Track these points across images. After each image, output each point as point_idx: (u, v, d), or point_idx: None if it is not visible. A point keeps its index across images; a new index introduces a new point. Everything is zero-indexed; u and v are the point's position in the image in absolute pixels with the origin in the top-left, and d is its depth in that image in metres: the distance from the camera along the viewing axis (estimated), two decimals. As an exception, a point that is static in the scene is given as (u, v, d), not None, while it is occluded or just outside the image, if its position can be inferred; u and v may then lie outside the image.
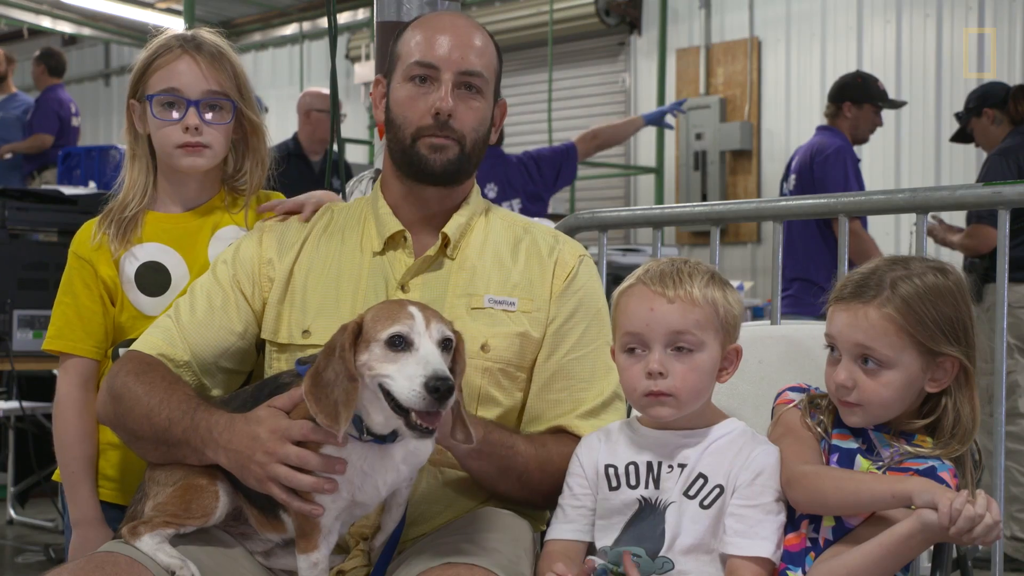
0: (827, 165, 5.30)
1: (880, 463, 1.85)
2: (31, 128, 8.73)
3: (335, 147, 3.26)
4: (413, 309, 1.72)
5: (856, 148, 5.63)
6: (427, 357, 1.67)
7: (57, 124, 8.74)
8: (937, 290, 1.88)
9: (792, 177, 5.51)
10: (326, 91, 6.98)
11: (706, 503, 1.85)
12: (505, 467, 1.97)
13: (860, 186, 5.30)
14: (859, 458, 1.87)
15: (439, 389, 1.63)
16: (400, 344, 1.69)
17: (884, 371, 1.87)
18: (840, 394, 1.90)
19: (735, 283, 2.42)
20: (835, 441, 1.90)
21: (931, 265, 1.92)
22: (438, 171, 2.08)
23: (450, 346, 1.73)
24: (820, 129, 5.64)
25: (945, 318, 1.86)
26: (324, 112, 6.69)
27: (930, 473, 1.81)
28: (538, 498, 2.04)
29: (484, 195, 2.26)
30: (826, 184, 5.21)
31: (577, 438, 2.04)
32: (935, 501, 1.68)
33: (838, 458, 1.88)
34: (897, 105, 5.92)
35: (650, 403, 1.88)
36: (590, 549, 1.95)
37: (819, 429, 1.92)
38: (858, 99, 5.50)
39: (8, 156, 8.72)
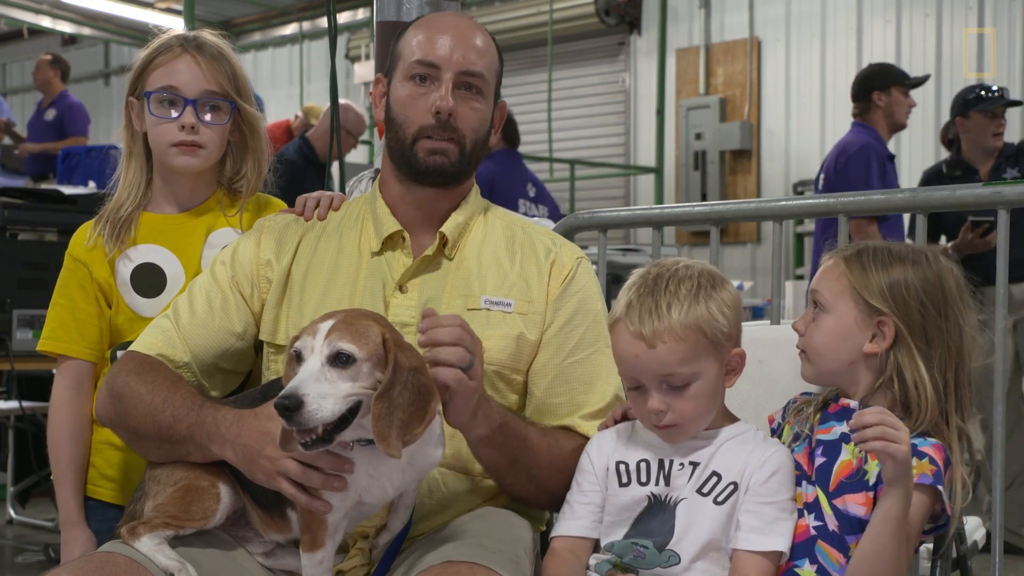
0: (850, 164, 5.25)
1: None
2: (62, 131, 8.88)
3: (335, 147, 3.26)
4: (325, 324, 1.71)
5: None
6: (301, 373, 1.67)
7: (87, 128, 9.01)
8: (899, 258, 1.91)
9: (821, 176, 5.45)
10: (357, 107, 7.06)
11: (720, 499, 1.86)
12: (516, 458, 1.96)
13: (884, 184, 5.19)
14: (843, 447, 1.88)
15: (279, 406, 1.62)
16: (298, 358, 1.70)
17: (823, 315, 1.93)
18: (798, 342, 1.97)
19: (735, 283, 2.41)
20: (819, 436, 1.92)
21: (916, 249, 1.95)
22: (436, 173, 2.08)
23: (344, 361, 1.68)
24: (854, 125, 5.56)
25: (893, 280, 1.88)
26: (344, 131, 6.75)
27: (911, 451, 1.81)
28: (543, 497, 2.03)
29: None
30: (848, 183, 5.15)
31: (583, 436, 2.04)
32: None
33: (823, 450, 1.89)
34: (921, 82, 5.85)
35: (663, 434, 1.91)
36: (595, 547, 1.95)
37: (805, 429, 1.94)
38: (884, 84, 5.43)
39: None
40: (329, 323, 1.71)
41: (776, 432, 2.02)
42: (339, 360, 1.68)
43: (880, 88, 5.43)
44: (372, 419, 1.68)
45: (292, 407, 1.61)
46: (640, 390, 1.89)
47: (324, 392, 1.64)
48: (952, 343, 1.89)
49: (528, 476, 1.99)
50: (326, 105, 6.78)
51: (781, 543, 1.83)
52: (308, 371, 1.66)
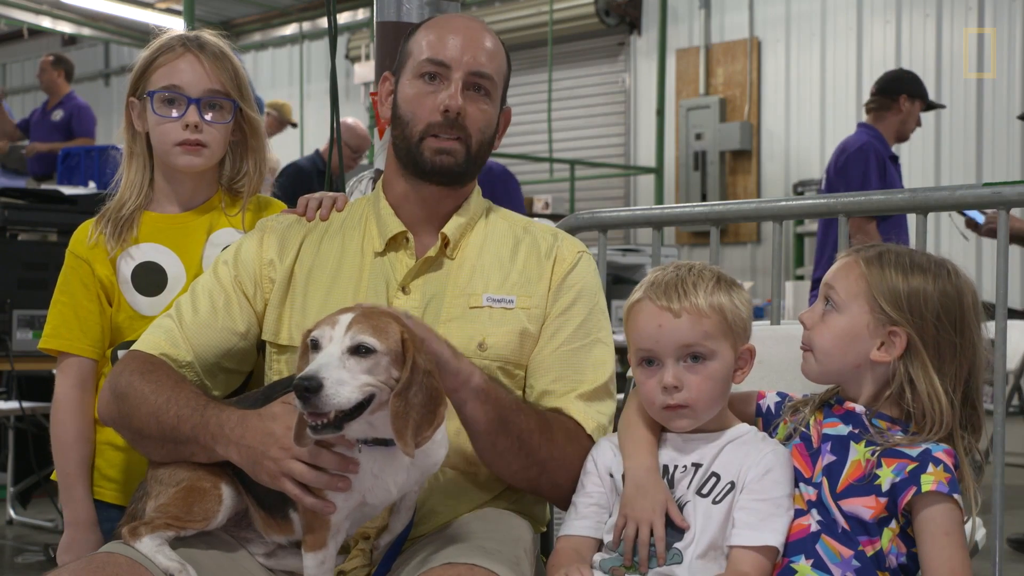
0: (849, 163, 5.25)
1: (876, 446, 1.84)
2: (69, 131, 8.91)
3: (335, 148, 3.26)
4: (345, 316, 1.73)
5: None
6: (321, 358, 1.68)
7: (94, 129, 9.05)
8: (920, 268, 1.88)
9: (824, 177, 5.47)
10: (358, 125, 7.06)
11: (718, 499, 1.87)
12: (506, 418, 1.95)
13: (884, 184, 5.18)
14: (852, 444, 1.87)
15: (299, 386, 1.64)
16: (315, 347, 1.72)
17: (833, 314, 1.91)
18: (803, 336, 1.95)
19: (735, 283, 2.42)
20: (826, 430, 1.91)
21: (938, 261, 1.92)
22: (442, 173, 2.08)
23: (364, 352, 1.69)
24: (858, 126, 5.58)
25: (912, 289, 1.86)
26: (344, 143, 6.77)
27: (926, 455, 1.81)
28: (534, 468, 2.00)
29: None
30: (848, 182, 5.15)
31: (571, 417, 2.05)
32: None
33: (831, 447, 1.89)
34: (939, 106, 5.83)
35: (669, 416, 1.90)
36: (601, 546, 1.95)
37: (802, 428, 1.93)
38: (913, 93, 5.42)
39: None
40: (350, 315, 1.73)
41: (767, 419, 2.02)
42: (359, 351, 1.69)
43: (909, 95, 5.42)
44: (391, 416, 1.70)
45: (312, 388, 1.63)
46: (654, 367, 1.90)
47: (343, 379, 1.66)
48: (964, 361, 1.87)
49: (519, 442, 1.97)
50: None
51: (775, 538, 1.84)
52: (329, 356, 1.68)
